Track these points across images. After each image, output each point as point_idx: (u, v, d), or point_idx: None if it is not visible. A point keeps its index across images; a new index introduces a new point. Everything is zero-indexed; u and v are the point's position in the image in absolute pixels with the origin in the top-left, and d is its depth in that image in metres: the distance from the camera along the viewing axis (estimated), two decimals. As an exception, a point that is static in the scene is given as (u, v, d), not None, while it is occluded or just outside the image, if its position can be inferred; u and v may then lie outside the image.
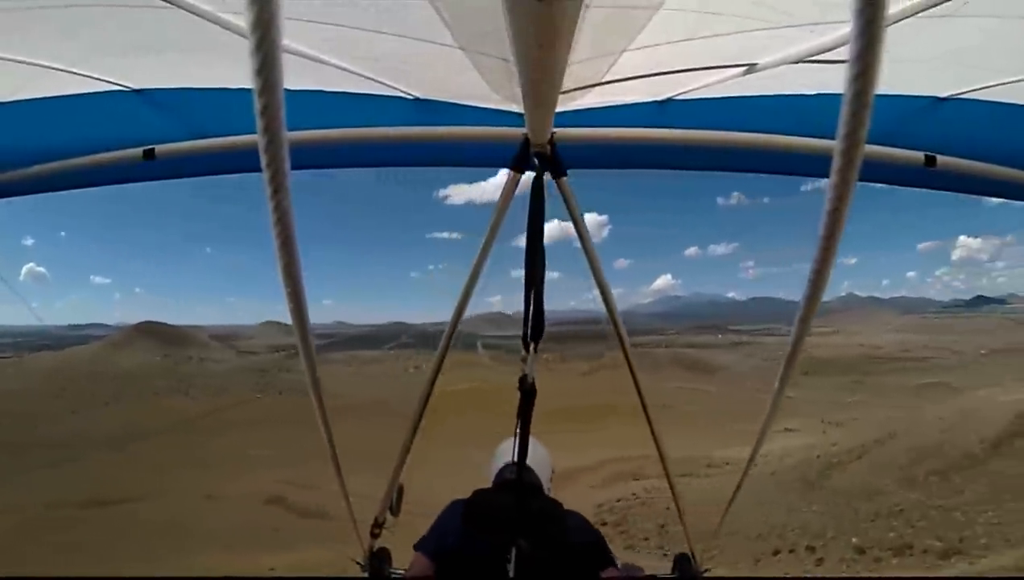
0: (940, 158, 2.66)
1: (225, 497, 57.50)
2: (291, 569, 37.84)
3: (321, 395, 1.59)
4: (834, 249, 0.95)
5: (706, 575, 3.77)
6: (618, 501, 52.48)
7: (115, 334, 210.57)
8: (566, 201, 2.79)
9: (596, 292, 3.14)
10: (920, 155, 2.65)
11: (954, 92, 2.50)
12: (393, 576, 3.76)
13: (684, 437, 60.52)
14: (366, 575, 3.72)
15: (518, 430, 2.70)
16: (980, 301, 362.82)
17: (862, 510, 38.90)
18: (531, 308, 2.47)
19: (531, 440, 2.98)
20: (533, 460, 3.06)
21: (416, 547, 3.06)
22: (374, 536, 3.80)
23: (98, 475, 63.42)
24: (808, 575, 32.54)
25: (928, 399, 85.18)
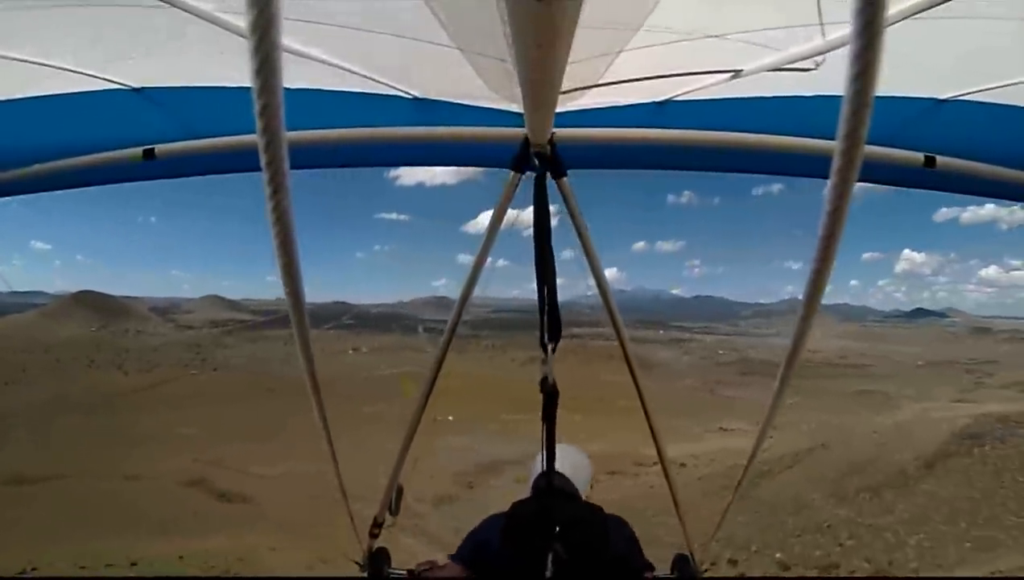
0: (940, 159, 2.67)
1: (147, 477, 56.45)
2: (205, 556, 37.44)
3: (320, 395, 1.57)
4: (834, 249, 0.97)
5: (706, 575, 3.80)
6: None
7: (53, 303, 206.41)
8: (566, 201, 2.77)
9: (592, 283, 3.19)
10: (920, 156, 2.67)
11: (954, 94, 2.49)
12: (393, 576, 3.76)
13: (616, 431, 59.73)
14: (366, 575, 3.70)
15: (544, 434, 2.63)
16: (920, 313, 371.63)
17: (789, 524, 38.98)
18: (545, 308, 2.43)
19: (568, 445, 3.33)
20: (568, 465, 3.20)
21: (451, 557, 3.15)
22: (373, 536, 3.78)
23: (24, 450, 62.30)
24: (809, 575, 32.89)
25: (864, 406, 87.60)
